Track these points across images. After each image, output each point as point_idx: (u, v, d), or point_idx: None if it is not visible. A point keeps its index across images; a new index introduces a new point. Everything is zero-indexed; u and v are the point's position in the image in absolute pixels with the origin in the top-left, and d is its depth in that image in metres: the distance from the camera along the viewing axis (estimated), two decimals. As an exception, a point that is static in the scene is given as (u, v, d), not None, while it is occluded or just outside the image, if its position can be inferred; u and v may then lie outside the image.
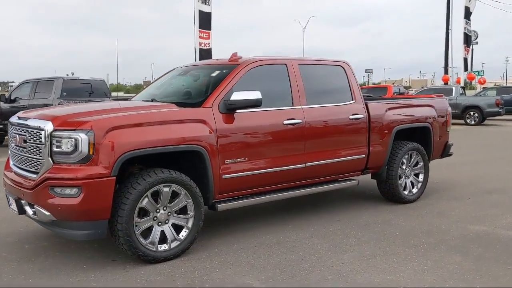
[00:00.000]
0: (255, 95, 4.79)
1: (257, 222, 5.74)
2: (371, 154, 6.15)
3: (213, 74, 5.33)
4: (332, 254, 4.66)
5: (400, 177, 6.59)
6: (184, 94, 5.48)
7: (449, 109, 7.24)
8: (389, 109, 6.37)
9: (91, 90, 14.03)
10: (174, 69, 6.24)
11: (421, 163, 6.82)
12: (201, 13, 20.56)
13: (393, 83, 32.19)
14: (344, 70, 6.09)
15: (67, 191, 4.03)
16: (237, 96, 4.80)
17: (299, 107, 5.45)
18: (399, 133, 6.55)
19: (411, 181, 6.76)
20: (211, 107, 4.80)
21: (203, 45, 20.74)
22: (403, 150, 6.49)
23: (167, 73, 6.23)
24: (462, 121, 21.67)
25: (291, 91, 5.46)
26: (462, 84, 28.65)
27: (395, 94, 21.36)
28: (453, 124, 21.63)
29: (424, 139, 6.95)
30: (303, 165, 5.43)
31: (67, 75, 20.89)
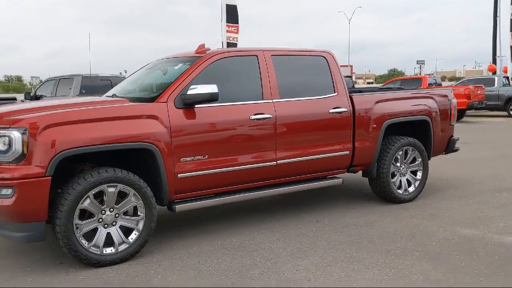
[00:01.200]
0: (210, 88, 4.49)
1: (229, 222, 5.46)
2: (356, 151, 5.72)
3: (176, 68, 5.07)
4: (291, 259, 4.32)
5: (394, 175, 6.12)
6: (146, 89, 5.26)
7: (454, 101, 6.67)
8: (379, 101, 5.91)
9: (111, 87, 14.07)
10: (149, 63, 6.02)
11: (419, 160, 6.31)
12: (228, 6, 20.35)
13: (430, 75, 30.84)
14: (327, 61, 5.69)
15: (3, 191, 3.88)
16: (193, 90, 4.52)
17: (270, 101, 5.10)
18: (391, 128, 6.08)
19: (407, 179, 6.26)
20: (166, 102, 4.54)
21: (231, 39, 20.53)
22: (396, 146, 6.02)
23: (143, 66, 6.03)
24: (505, 113, 20.50)
25: (262, 84, 5.12)
26: (510, 74, 27.07)
27: (434, 86, 20.39)
28: (495, 116, 20.69)
29: (423, 134, 6.42)
30: (274, 163, 5.08)
31: (120, 73, 21.19)
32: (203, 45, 5.23)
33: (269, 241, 4.81)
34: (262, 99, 5.09)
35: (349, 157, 5.67)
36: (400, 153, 6.10)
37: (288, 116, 5.17)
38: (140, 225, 4.37)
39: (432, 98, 6.44)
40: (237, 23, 20.66)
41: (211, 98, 4.51)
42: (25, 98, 14.36)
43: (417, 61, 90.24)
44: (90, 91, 13.18)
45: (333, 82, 5.64)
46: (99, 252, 4.19)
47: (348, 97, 5.69)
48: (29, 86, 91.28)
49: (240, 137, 4.88)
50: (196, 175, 4.62)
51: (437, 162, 8.73)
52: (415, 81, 19.96)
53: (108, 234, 4.27)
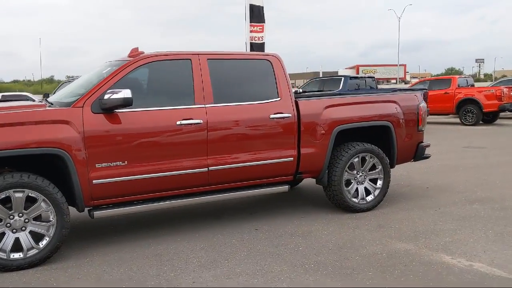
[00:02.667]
0: (123, 93, 4.43)
1: (164, 230, 5.39)
2: (302, 157, 5.51)
3: (104, 72, 5.04)
4: (198, 270, 4.20)
5: (349, 183, 5.86)
6: (76, 94, 5.25)
7: (422, 105, 6.30)
8: (328, 107, 5.66)
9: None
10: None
11: (379, 167, 6.00)
12: (252, 7, 20.23)
13: (461, 74, 29.42)
14: (272, 64, 5.50)
15: None
16: (108, 95, 4.48)
17: (202, 106, 4.99)
18: (346, 134, 5.82)
19: (365, 188, 5.97)
20: (82, 107, 4.52)
21: (256, 39, 20.40)
22: (350, 153, 5.75)
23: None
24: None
25: (194, 88, 5.01)
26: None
27: (469, 86, 19.50)
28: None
29: (386, 140, 6.12)
30: (205, 170, 4.97)
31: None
32: (136, 48, 5.18)
33: (192, 250, 4.70)
34: (194, 104, 4.97)
35: (293, 164, 5.47)
36: (356, 160, 5.83)
37: (221, 121, 5.04)
38: (51, 231, 4.37)
39: (395, 102, 6.11)
40: (263, 22, 20.48)
41: (124, 103, 4.45)
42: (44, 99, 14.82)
43: (476, 60, 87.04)
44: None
45: (277, 86, 5.44)
46: (5, 257, 4.21)
47: (293, 102, 5.48)
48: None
49: (164, 142, 4.80)
50: (114, 181, 4.57)
51: (432, 169, 8.34)
52: (444, 82, 19.15)
53: (17, 239, 4.28)
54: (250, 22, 20.02)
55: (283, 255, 4.51)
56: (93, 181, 4.48)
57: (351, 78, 16.91)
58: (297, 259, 4.39)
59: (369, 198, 5.97)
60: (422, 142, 6.37)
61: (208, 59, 5.16)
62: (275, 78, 5.45)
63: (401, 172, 8.32)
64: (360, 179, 5.92)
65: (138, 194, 4.76)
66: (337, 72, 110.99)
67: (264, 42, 20.36)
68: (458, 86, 18.47)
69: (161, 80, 5.04)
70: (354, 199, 5.86)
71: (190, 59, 5.07)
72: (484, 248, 4.53)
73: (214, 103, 5.05)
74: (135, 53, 5.11)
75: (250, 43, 19.94)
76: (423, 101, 6.38)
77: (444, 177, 7.94)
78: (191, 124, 4.86)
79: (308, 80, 19.04)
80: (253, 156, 5.21)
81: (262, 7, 20.31)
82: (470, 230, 5.12)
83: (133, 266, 4.31)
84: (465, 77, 19.96)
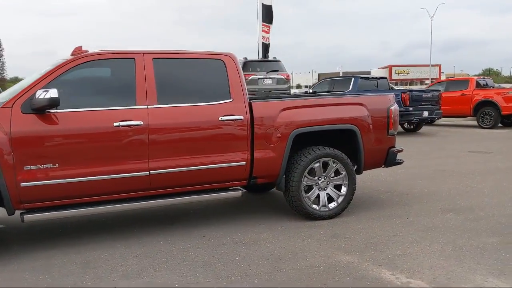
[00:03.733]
0: (49, 93, 4.27)
1: (107, 234, 5.21)
2: (256, 162, 5.25)
3: (42, 71, 4.89)
4: (117, 280, 4.01)
5: (310, 189, 5.57)
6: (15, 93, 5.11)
7: (394, 108, 5.94)
8: (285, 109, 5.38)
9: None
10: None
11: (343, 173, 5.68)
12: (264, 6, 20.06)
13: (479, 76, 28.26)
14: (225, 64, 5.26)
15: None
16: (36, 95, 4.34)
17: (143, 107, 4.80)
18: (307, 137, 5.54)
19: (328, 194, 5.66)
20: (11, 107, 4.39)
21: (265, 39, 20.22)
22: (309, 157, 5.46)
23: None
24: None
25: (136, 89, 4.82)
26: None
27: (486, 88, 18.75)
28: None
29: (353, 145, 5.80)
30: (146, 173, 4.77)
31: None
32: (80, 47, 5.02)
33: (124, 257, 4.51)
34: (135, 105, 4.78)
35: (245, 168, 5.21)
36: (317, 165, 5.53)
37: (164, 123, 4.84)
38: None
39: (362, 105, 5.77)
40: (271, 23, 20.28)
41: (50, 103, 4.29)
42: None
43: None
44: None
45: (229, 87, 5.20)
46: None
47: (247, 104, 5.22)
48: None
49: (100, 144, 4.62)
50: (44, 184, 4.41)
51: (423, 174, 7.95)
52: (461, 83, 18.46)
53: None
54: (262, 22, 19.89)
55: (215, 265, 4.26)
56: (21, 183, 4.34)
57: (361, 78, 16.42)
58: (227, 270, 4.14)
59: (332, 205, 5.66)
60: (393, 147, 6.01)
61: (154, 58, 4.96)
62: (228, 79, 5.21)
63: (387, 177, 7.96)
64: (322, 185, 5.61)
65: (73, 198, 4.60)
66: (369, 72, 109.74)
67: (269, 43, 20.22)
68: (476, 88, 17.74)
69: (102, 80, 4.88)
70: (315, 206, 5.57)
71: (134, 58, 4.88)
72: (432, 264, 4.19)
73: (158, 104, 4.85)
74: (77, 52, 4.95)
75: (262, 43, 19.82)
76: (395, 103, 6.00)
77: (432, 183, 7.53)
78: (130, 125, 4.67)
79: (319, 80, 18.65)
80: (200, 160, 4.98)
81: (271, 6, 20.15)
82: (428, 242, 4.76)
83: (56, 273, 4.14)
84: (483, 78, 19.18)
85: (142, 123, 4.72)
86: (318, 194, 5.63)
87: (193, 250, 4.65)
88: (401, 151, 6.11)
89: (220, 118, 5.05)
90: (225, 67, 5.24)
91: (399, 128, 16.15)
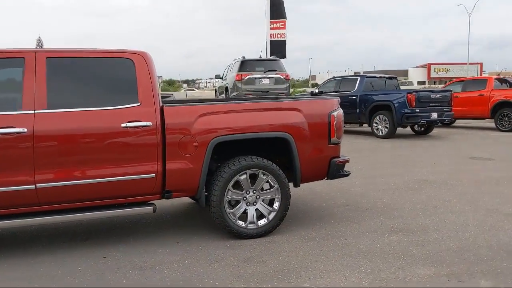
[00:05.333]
0: None
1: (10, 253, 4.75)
2: (169, 173, 4.70)
3: None
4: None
5: (237, 203, 4.98)
6: None
7: (337, 113, 5.27)
8: (203, 115, 4.80)
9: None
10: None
11: (275, 186, 5.05)
12: (272, 2, 19.38)
13: (499, 74, 26.53)
14: (134, 64, 4.72)
15: None
16: None
17: (30, 112, 4.31)
18: (231, 147, 4.96)
19: (257, 210, 5.06)
20: None
21: (278, 36, 19.52)
22: (233, 169, 4.87)
23: None
24: None
25: (23, 91, 4.34)
26: None
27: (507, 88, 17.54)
28: None
29: (288, 155, 5.17)
30: (32, 187, 4.28)
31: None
32: None
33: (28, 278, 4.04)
34: (21, 110, 4.30)
35: (156, 181, 4.67)
36: (243, 177, 4.93)
37: (53, 130, 4.35)
38: None
39: (297, 110, 5.13)
40: (284, 18, 19.56)
41: None
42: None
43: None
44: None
45: (137, 90, 4.65)
46: None
47: (158, 109, 4.67)
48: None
49: (-24, 155, 4.15)
50: None
51: (401, 185, 7.23)
52: (479, 83, 17.32)
53: None
54: (270, 19, 19.21)
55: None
56: None
57: (367, 77, 15.59)
58: (94, 301, 3.60)
59: (262, 222, 5.05)
60: (336, 157, 5.32)
61: (47, 57, 4.47)
62: (136, 80, 4.66)
63: (357, 188, 7.29)
64: (250, 200, 5.01)
65: None
66: (407, 72, 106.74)
67: (285, 40, 19.48)
68: (495, 88, 16.60)
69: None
70: (241, 223, 4.97)
71: (23, 58, 4.39)
72: (332, 302, 3.52)
73: (48, 109, 4.35)
74: None
75: (270, 41, 19.14)
76: (339, 108, 5.32)
77: (401, 196, 6.80)
78: (10, 133, 4.18)
79: (326, 80, 17.90)
80: (99, 172, 4.47)
81: (283, 2, 19.41)
82: (348, 272, 4.12)
83: None
84: (504, 77, 17.94)
85: (25, 130, 4.23)
86: (246, 210, 5.00)
87: (76, 276, 4.13)
88: (346, 161, 5.43)
89: (123, 125, 4.51)
90: (134, 67, 4.69)
91: (408, 131, 15.27)
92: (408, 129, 15.76)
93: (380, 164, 9.67)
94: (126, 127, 4.53)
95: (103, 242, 4.96)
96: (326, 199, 6.66)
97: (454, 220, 5.58)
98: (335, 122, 5.21)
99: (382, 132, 14.39)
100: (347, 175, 5.50)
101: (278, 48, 19.27)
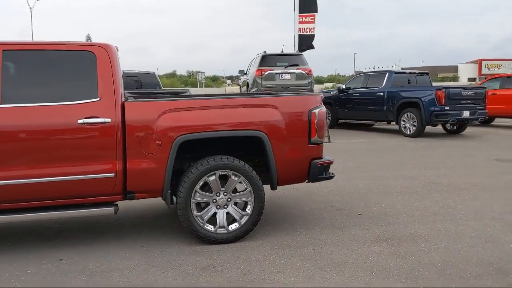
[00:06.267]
0: None
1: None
2: (130, 173, 4.44)
3: None
4: None
5: (206, 205, 4.68)
6: None
7: (318, 111, 4.86)
8: (168, 111, 4.51)
9: (139, 83, 13.90)
10: None
11: (248, 189, 4.72)
12: (300, -5, 18.88)
13: None
14: (95, 57, 4.48)
15: None
16: None
17: (-20, 107, 4.14)
18: (201, 145, 4.67)
19: (228, 213, 4.74)
20: None
21: (306, 30, 19.03)
22: (201, 169, 4.56)
23: None
24: None
25: (-25, 86, 4.18)
26: None
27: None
28: None
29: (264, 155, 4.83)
30: (-19, 185, 4.12)
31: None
32: None
33: None
34: (-27, 105, 4.14)
35: (115, 181, 4.42)
36: (212, 178, 4.61)
37: (6, 126, 4.19)
38: None
39: (273, 107, 4.76)
40: (315, 12, 19.00)
41: None
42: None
43: None
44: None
45: (97, 84, 4.41)
46: None
47: (119, 104, 4.41)
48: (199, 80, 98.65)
49: None
50: None
51: (407, 188, 6.75)
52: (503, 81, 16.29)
53: None
54: (299, 13, 18.72)
55: (19, 301, 3.51)
56: None
57: (396, 73, 14.91)
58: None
59: (233, 226, 4.72)
60: (318, 158, 4.91)
61: (4, 50, 4.28)
62: (97, 74, 4.41)
63: (360, 189, 6.84)
64: (220, 203, 4.68)
65: None
66: (456, 68, 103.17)
67: (314, 34, 18.96)
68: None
69: None
70: (209, 227, 4.66)
71: (-22, 51, 4.22)
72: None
73: (1, 104, 4.16)
74: None
75: (299, 35, 18.67)
76: (322, 105, 4.90)
77: (404, 200, 6.32)
78: (-40, 130, 4.02)
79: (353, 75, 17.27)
80: (54, 170, 4.26)
81: (313, -6, 18.84)
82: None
83: None
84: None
85: (-28, 126, 4.05)
86: (216, 213, 4.68)
87: (27, 277, 3.94)
88: (330, 162, 5.01)
89: (79, 121, 4.27)
90: (96, 60, 4.44)
91: (439, 129, 14.50)
92: (439, 128, 14.98)
93: (396, 164, 9.13)
94: (83, 123, 4.29)
95: (68, 243, 4.77)
96: (321, 201, 6.25)
97: (451, 229, 5.06)
98: (316, 121, 4.80)
99: (409, 131, 13.73)
100: (331, 177, 5.08)
101: (307, 42, 18.78)
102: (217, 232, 4.68)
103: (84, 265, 4.21)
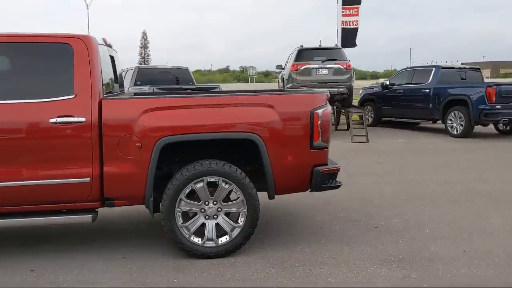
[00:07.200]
0: None
1: None
2: (107, 178, 4.04)
3: None
4: None
5: (194, 215, 4.22)
6: None
7: (322, 111, 4.27)
8: (150, 110, 4.06)
9: (176, 79, 13.63)
10: None
11: (241, 198, 4.21)
12: (345, -13, 18.07)
13: None
14: (72, 50, 4.08)
15: None
16: None
17: None
18: (191, 148, 4.21)
19: (218, 224, 4.25)
20: None
21: (350, 23, 18.22)
22: (186, 175, 4.10)
23: None
24: None
25: None
26: None
27: None
28: None
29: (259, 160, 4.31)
30: None
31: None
32: None
33: None
34: None
35: (91, 187, 4.02)
36: (200, 185, 4.13)
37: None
38: None
39: (269, 106, 4.21)
40: (358, 4, 18.15)
41: None
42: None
43: None
44: (145, 82, 12.98)
45: (73, 80, 4.02)
46: None
47: (97, 102, 4.01)
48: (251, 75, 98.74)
49: None
50: None
51: (444, 195, 6.06)
52: None
53: None
54: (343, 5, 17.92)
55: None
56: None
57: (443, 68, 13.90)
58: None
59: (223, 239, 4.22)
60: (322, 164, 4.32)
61: (-28, 42, 3.95)
62: (73, 69, 4.02)
63: (386, 197, 6.18)
64: (209, 213, 4.20)
65: None
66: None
67: (357, 28, 18.09)
68: None
69: None
70: (196, 240, 4.19)
71: None
72: None
73: (-34, 101, 3.84)
74: None
75: (342, 28, 17.87)
76: (327, 105, 4.31)
77: (431, 211, 5.71)
78: None
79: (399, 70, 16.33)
80: (23, 174, 3.91)
81: (355, -14, 17.98)
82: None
83: None
84: None
85: None
86: (204, 224, 4.20)
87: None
88: (336, 170, 4.40)
89: (51, 120, 3.89)
90: (73, 53, 4.04)
91: (491, 129, 13.40)
92: (491, 128, 13.85)
93: (434, 167, 8.33)
94: (56, 123, 3.91)
95: (48, 251, 4.44)
96: (336, 210, 5.64)
97: (479, 249, 4.36)
98: (319, 122, 4.21)
99: (457, 131, 12.75)
100: (338, 186, 4.47)
101: (350, 36, 17.96)
102: (205, 245, 4.19)
103: (53, 278, 3.85)
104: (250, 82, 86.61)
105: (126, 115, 4.01)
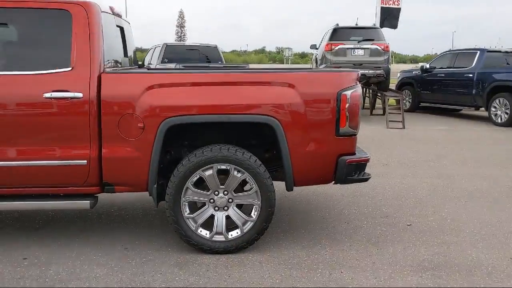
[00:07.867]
0: None
1: None
2: (105, 161, 3.63)
3: None
4: None
5: (202, 206, 3.79)
6: None
7: (351, 93, 3.73)
8: (154, 86, 3.60)
9: (203, 57, 13.22)
10: None
11: (254, 188, 3.73)
12: (387, -37, 17.09)
13: None
14: (71, 18, 3.65)
15: None
16: None
17: None
18: (204, 130, 3.75)
19: (228, 217, 3.80)
20: None
21: (391, 2, 17.28)
22: (194, 162, 3.64)
23: None
24: None
25: None
26: None
27: None
28: None
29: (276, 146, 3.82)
30: None
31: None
32: None
33: None
34: None
35: (88, 170, 3.63)
36: (209, 172, 3.68)
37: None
38: None
39: (290, 85, 3.69)
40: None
41: None
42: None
43: None
44: (173, 59, 12.62)
45: (70, 51, 3.59)
46: None
47: (95, 76, 3.58)
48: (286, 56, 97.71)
49: None
50: None
51: (487, 193, 5.47)
52: None
53: None
54: (383, -17, 16.96)
55: None
56: None
57: (488, 51, 12.97)
58: None
59: (234, 234, 3.77)
60: (349, 153, 3.79)
61: (-38, 7, 3.56)
62: (71, 39, 3.59)
63: (421, 191, 5.61)
64: (219, 203, 3.74)
65: None
66: None
67: (400, 8, 17.14)
68: None
69: None
70: (203, 233, 3.75)
71: None
72: None
73: (-46, 72, 3.47)
74: None
75: (381, 7, 16.97)
76: (357, 85, 3.75)
77: (473, 209, 5.13)
78: None
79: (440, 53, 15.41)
80: (10, 153, 3.56)
81: (398, -37, 16.98)
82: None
83: None
84: None
85: None
86: (213, 216, 3.75)
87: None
88: (365, 160, 3.86)
89: (46, 95, 3.48)
90: (71, 21, 3.60)
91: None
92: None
93: (476, 159, 7.64)
94: (50, 97, 3.50)
95: (46, 238, 4.11)
96: (365, 205, 5.11)
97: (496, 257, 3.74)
98: (347, 106, 3.67)
99: (501, 119, 11.90)
100: (366, 179, 3.93)
101: (392, 16, 17.03)
102: (213, 239, 3.75)
103: (44, 269, 3.49)
104: (286, 63, 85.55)
105: (128, 92, 3.58)
